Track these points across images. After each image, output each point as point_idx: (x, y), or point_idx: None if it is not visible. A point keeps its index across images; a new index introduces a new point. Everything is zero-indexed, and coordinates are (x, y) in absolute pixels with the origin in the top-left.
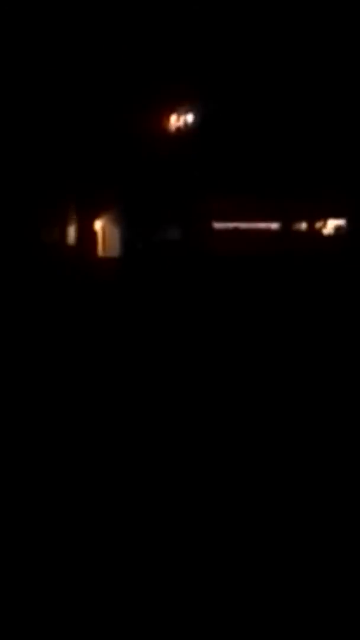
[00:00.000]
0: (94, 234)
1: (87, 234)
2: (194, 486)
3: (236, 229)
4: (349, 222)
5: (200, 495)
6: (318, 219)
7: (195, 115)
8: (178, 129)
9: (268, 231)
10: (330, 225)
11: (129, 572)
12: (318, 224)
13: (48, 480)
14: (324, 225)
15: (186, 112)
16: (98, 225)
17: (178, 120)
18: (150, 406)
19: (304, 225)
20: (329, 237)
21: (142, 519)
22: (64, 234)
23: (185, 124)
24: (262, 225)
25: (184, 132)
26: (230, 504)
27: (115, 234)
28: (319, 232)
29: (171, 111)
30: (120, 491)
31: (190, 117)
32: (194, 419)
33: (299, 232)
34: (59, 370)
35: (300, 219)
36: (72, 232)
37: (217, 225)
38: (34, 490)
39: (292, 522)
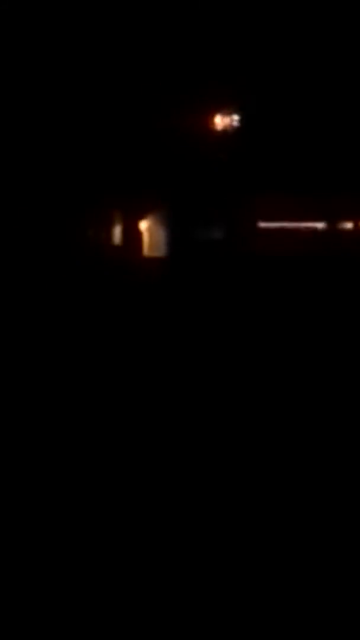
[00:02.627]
0: (139, 234)
1: (132, 235)
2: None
3: (281, 229)
4: None
5: (206, 496)
6: None
7: (240, 114)
8: (223, 128)
9: (313, 231)
10: None
11: (128, 571)
12: None
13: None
14: None
15: (231, 111)
16: (144, 225)
17: (223, 120)
18: (195, 403)
19: (350, 225)
20: None
21: (143, 517)
22: (110, 234)
23: (230, 124)
24: (307, 224)
25: (228, 131)
26: (231, 506)
27: (160, 234)
28: None
29: (216, 111)
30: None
31: (235, 117)
32: (235, 419)
33: (346, 232)
34: (105, 368)
35: (346, 218)
36: (118, 233)
37: (262, 224)
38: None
39: (292, 521)
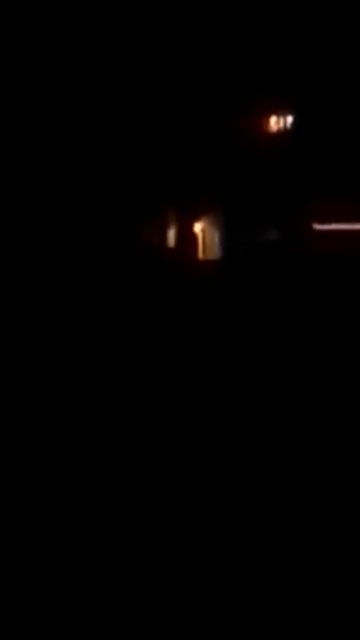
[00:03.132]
0: (193, 236)
1: (187, 237)
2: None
3: (337, 231)
4: None
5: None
6: None
7: (295, 116)
8: (278, 130)
9: None
10: None
11: (129, 572)
12: None
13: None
14: None
15: (286, 113)
16: (198, 227)
17: (278, 122)
18: (249, 407)
19: None
20: None
21: (143, 519)
22: (163, 236)
23: (285, 126)
24: None
25: (283, 133)
26: (232, 510)
27: (215, 236)
28: None
29: (271, 112)
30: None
31: (290, 118)
32: (290, 425)
33: None
34: (157, 371)
35: None
36: (172, 235)
37: (318, 226)
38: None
39: (293, 524)
